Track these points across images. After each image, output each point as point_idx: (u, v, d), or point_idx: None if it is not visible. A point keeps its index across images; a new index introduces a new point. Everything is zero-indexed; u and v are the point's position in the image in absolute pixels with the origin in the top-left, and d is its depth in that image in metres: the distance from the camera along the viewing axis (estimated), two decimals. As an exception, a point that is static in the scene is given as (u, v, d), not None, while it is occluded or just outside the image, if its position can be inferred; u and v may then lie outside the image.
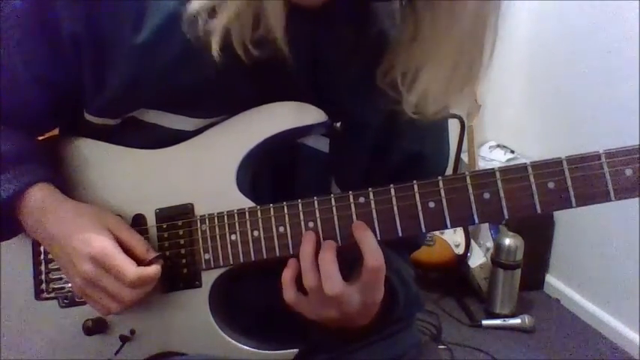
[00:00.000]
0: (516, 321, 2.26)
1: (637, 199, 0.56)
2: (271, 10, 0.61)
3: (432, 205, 0.61)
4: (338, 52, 0.70)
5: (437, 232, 2.37)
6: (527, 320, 2.25)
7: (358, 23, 0.70)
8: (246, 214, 0.68)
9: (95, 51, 0.68)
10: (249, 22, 0.62)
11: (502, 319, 2.28)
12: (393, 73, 0.67)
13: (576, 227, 2.41)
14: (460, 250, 2.38)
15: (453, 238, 2.38)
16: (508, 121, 2.72)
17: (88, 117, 0.74)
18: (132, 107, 0.72)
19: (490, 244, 2.43)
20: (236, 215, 0.69)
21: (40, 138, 0.80)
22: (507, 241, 2.30)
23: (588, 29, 2.29)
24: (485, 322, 2.27)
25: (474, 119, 2.49)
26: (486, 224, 2.48)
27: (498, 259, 2.32)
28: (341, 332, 0.71)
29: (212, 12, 0.62)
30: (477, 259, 2.42)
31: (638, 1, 1.98)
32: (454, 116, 2.46)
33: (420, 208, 0.61)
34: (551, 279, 2.57)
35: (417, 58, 0.65)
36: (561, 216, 2.48)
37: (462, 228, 2.37)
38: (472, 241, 2.42)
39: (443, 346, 2.09)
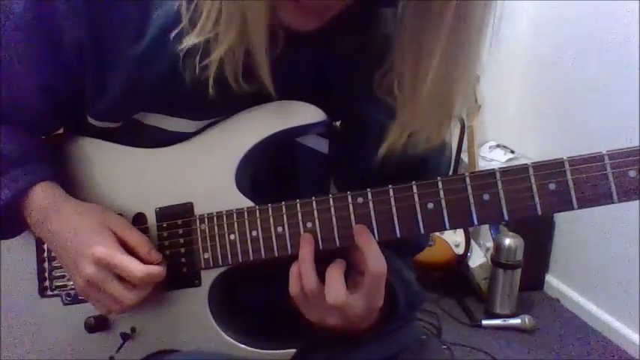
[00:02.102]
0: (516, 321, 2.26)
1: (638, 199, 0.55)
2: (257, 44, 0.61)
3: (430, 206, 0.60)
4: (341, 60, 0.70)
5: (436, 232, 2.37)
6: (527, 320, 2.24)
7: (364, 28, 0.70)
8: (245, 213, 0.68)
9: (97, 58, 0.68)
10: (240, 57, 0.63)
11: (502, 319, 2.28)
12: (390, 78, 0.66)
13: (576, 227, 2.41)
14: (460, 250, 2.38)
15: (453, 238, 2.38)
16: (508, 121, 2.72)
17: (91, 120, 0.74)
18: (132, 112, 0.72)
19: (490, 244, 2.43)
20: (235, 215, 0.69)
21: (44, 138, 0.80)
22: (507, 241, 2.30)
23: (588, 30, 2.28)
24: (485, 322, 2.27)
25: (474, 119, 2.48)
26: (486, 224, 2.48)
27: (498, 259, 2.31)
28: (341, 334, 0.70)
29: (205, 51, 0.63)
30: (477, 259, 2.42)
31: (638, 0, 1.98)
32: (454, 116, 2.46)
33: (418, 209, 0.60)
34: (551, 279, 2.57)
35: (409, 63, 0.64)
36: (561, 216, 2.47)
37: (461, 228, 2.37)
38: (472, 241, 2.42)
39: (443, 346, 2.08)
